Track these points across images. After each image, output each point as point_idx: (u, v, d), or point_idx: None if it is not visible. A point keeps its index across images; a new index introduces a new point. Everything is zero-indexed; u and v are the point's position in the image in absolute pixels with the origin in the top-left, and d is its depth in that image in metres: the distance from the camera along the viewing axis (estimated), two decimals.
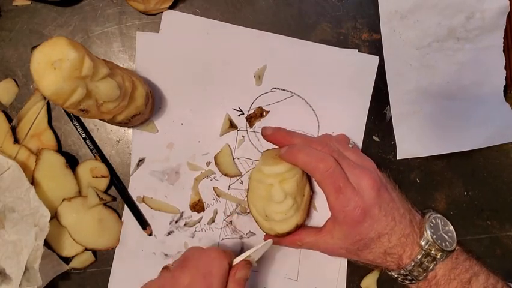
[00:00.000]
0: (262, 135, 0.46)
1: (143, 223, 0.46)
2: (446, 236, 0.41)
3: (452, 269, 0.40)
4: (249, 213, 0.47)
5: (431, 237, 0.40)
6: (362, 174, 0.40)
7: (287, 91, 0.47)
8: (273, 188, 0.41)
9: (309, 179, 0.46)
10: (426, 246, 0.39)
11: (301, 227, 0.44)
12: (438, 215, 0.43)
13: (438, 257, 0.39)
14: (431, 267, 0.39)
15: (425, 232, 0.40)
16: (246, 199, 0.47)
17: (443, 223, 0.42)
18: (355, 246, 0.40)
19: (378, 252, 0.40)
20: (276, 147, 0.46)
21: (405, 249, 0.39)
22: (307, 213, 0.45)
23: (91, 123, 0.47)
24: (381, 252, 0.40)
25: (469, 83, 0.47)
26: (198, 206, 0.47)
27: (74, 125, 0.46)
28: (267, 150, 0.46)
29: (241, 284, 0.38)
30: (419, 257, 0.39)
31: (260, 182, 0.42)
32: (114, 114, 0.39)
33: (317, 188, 0.47)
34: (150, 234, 0.47)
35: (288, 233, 0.43)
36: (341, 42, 0.47)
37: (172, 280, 0.37)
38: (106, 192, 0.46)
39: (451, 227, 0.42)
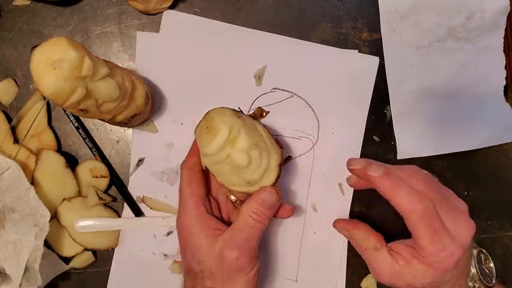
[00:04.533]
0: (348, 167, 0.40)
1: (138, 212, 0.47)
2: (487, 271, 0.40)
3: None
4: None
5: (477, 272, 0.39)
6: (459, 218, 0.37)
7: (287, 91, 0.47)
8: (232, 157, 0.37)
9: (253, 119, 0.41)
10: (471, 283, 0.39)
11: (285, 161, 0.41)
12: (482, 250, 0.42)
13: None
14: None
15: (471, 267, 0.39)
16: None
17: (485, 257, 0.41)
18: (422, 285, 0.38)
19: None
20: (202, 119, 0.40)
21: (455, 286, 0.39)
22: (279, 145, 0.41)
23: (91, 123, 0.47)
24: None
25: (469, 83, 0.47)
26: None
27: (74, 125, 0.46)
28: (196, 129, 0.40)
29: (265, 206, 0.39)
30: None
31: (216, 163, 0.38)
32: (114, 114, 0.39)
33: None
34: None
35: (278, 177, 0.40)
36: (341, 42, 0.47)
37: None
38: (105, 192, 0.46)
39: (492, 264, 0.41)
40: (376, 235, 0.41)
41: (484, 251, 0.42)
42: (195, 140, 0.41)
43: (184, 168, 0.41)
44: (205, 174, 0.42)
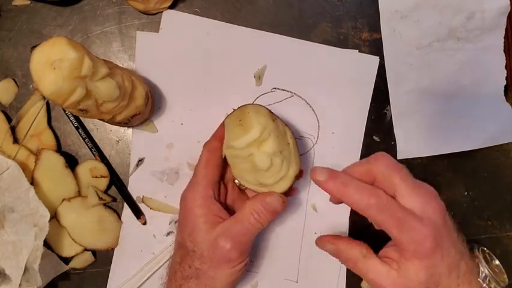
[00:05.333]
0: (312, 178, 0.36)
1: (138, 212, 0.46)
2: (497, 270, 0.40)
3: None
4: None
5: (488, 272, 0.38)
6: (427, 197, 0.34)
7: (287, 91, 0.47)
8: (254, 158, 0.37)
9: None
10: (485, 284, 0.38)
11: (300, 176, 0.40)
12: (486, 249, 0.41)
13: None
14: None
15: (481, 267, 0.39)
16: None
17: (490, 257, 0.41)
18: (425, 285, 0.34)
19: None
20: (236, 110, 0.40)
21: (469, 287, 0.35)
22: (299, 158, 0.41)
23: (90, 123, 0.47)
24: None
25: (469, 83, 0.47)
26: None
27: (73, 125, 0.46)
28: (227, 117, 0.40)
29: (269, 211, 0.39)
30: None
31: (237, 158, 0.38)
32: (114, 114, 0.39)
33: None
34: (144, 223, 0.47)
35: (290, 187, 0.40)
36: (341, 42, 0.47)
37: None
38: (105, 192, 0.46)
39: (497, 261, 0.41)
40: (359, 242, 0.37)
41: (485, 249, 0.41)
42: (222, 125, 0.41)
43: (206, 149, 0.41)
44: (224, 160, 0.42)
